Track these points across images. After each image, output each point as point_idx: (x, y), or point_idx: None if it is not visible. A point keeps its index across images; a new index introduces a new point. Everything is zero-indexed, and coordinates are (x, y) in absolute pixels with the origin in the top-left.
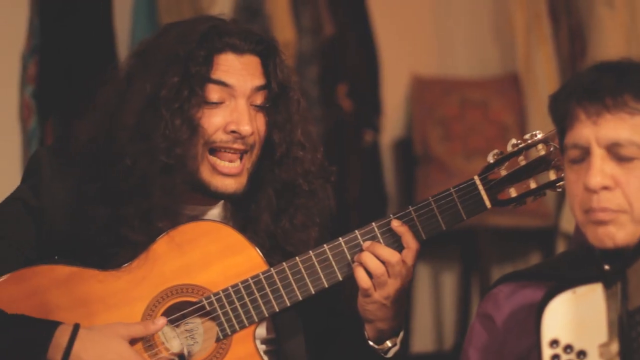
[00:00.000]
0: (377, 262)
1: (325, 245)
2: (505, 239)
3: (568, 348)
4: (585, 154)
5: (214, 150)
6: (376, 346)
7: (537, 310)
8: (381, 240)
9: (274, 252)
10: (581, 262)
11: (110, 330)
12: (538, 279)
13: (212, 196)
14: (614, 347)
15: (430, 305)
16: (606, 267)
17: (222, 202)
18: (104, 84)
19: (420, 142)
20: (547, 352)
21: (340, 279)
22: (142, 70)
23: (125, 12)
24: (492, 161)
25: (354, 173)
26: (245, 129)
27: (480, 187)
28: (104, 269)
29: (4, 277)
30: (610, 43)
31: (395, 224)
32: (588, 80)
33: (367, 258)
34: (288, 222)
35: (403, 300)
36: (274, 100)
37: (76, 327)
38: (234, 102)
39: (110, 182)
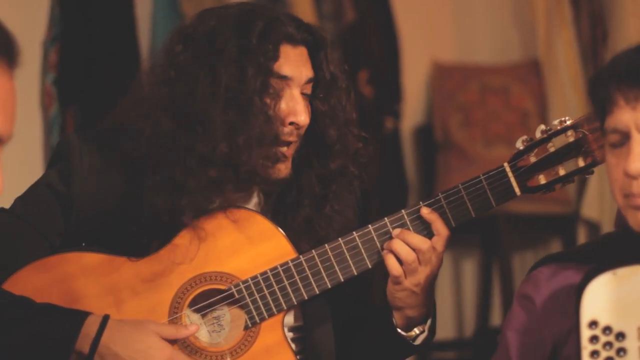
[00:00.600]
0: (408, 249)
1: (354, 232)
2: (526, 226)
3: (607, 329)
4: (625, 138)
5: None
6: (404, 333)
7: (576, 291)
8: (410, 228)
9: (309, 237)
10: (623, 244)
11: (141, 324)
12: (579, 260)
13: (262, 183)
14: None
15: (451, 292)
16: None
17: (255, 190)
18: (144, 72)
19: (441, 129)
20: (585, 333)
21: (370, 266)
22: (201, 60)
23: (146, 0)
24: (521, 148)
25: (375, 159)
26: (303, 118)
27: (510, 174)
28: (132, 256)
29: (31, 265)
30: (632, 28)
31: (425, 212)
32: (626, 63)
33: (398, 245)
34: (330, 209)
35: (432, 288)
36: (326, 90)
37: (105, 318)
38: (289, 93)
39: (170, 174)
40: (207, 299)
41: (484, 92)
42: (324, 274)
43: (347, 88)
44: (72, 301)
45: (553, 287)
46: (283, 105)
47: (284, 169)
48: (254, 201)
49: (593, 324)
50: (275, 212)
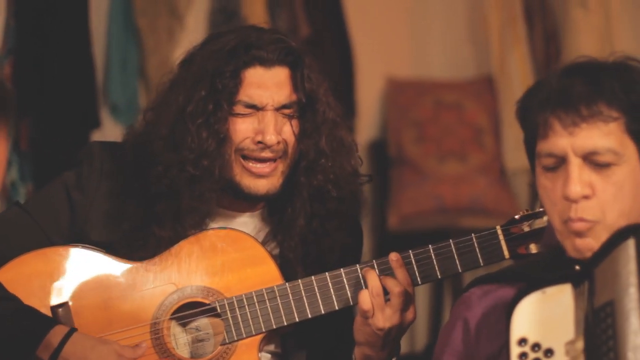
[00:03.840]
0: (378, 282)
1: (342, 269)
2: None
3: (536, 346)
4: (560, 162)
5: (246, 157)
6: None
7: (507, 310)
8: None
9: (306, 257)
10: (552, 264)
11: (105, 342)
12: (509, 280)
13: (246, 198)
14: (580, 344)
15: None
16: (577, 267)
17: (258, 209)
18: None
19: (395, 144)
20: (515, 350)
21: (352, 303)
22: (180, 82)
23: (101, 13)
24: (517, 217)
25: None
26: (270, 138)
27: (501, 237)
28: (128, 259)
29: (31, 253)
30: (585, 44)
31: (392, 258)
32: (560, 87)
33: (370, 275)
34: (319, 226)
35: (396, 337)
36: (302, 109)
37: (71, 331)
38: (261, 113)
39: (147, 183)
40: (190, 311)
41: (438, 108)
42: (305, 303)
43: (324, 110)
44: (64, 294)
45: (485, 306)
46: (254, 121)
47: (264, 185)
48: (251, 220)
49: (522, 341)
50: (274, 233)
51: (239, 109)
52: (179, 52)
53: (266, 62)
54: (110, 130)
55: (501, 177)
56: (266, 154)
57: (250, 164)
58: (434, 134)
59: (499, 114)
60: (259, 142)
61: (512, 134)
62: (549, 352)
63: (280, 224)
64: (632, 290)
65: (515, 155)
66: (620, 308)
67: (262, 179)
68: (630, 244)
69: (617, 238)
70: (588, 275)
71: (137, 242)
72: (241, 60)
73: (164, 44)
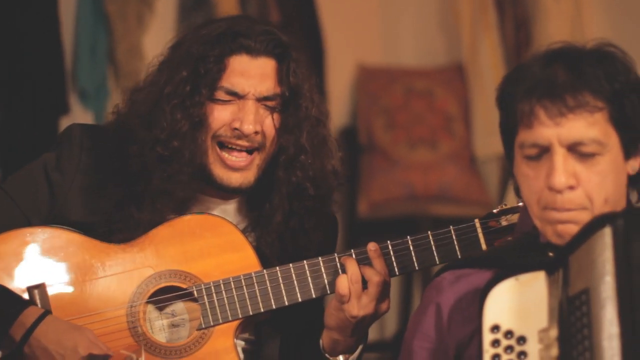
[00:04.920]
0: (357, 270)
1: (320, 257)
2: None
3: (508, 334)
4: (543, 151)
5: (223, 145)
6: (329, 357)
7: (480, 297)
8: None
9: (282, 253)
10: (525, 250)
11: (79, 328)
12: (481, 266)
13: (219, 189)
14: (553, 332)
15: None
16: (550, 254)
17: (238, 199)
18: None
19: (365, 131)
20: (487, 337)
21: (329, 292)
22: (166, 64)
23: (70, 1)
24: (495, 211)
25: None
26: (248, 127)
27: (479, 230)
28: (107, 241)
29: (8, 232)
30: (555, 33)
31: (371, 248)
32: (545, 76)
33: (350, 263)
34: (297, 224)
35: (366, 326)
36: (285, 104)
37: (45, 313)
38: (242, 101)
39: (127, 165)
40: (167, 295)
41: (408, 95)
42: (282, 290)
43: (306, 106)
44: (43, 273)
45: (456, 291)
46: (234, 109)
47: (237, 178)
48: (232, 209)
49: (495, 328)
50: (253, 226)
51: (220, 95)
52: (149, 38)
53: (253, 51)
54: (79, 116)
55: (471, 165)
56: (242, 142)
57: (226, 154)
58: (404, 121)
59: (469, 102)
60: (235, 129)
61: (482, 122)
62: (521, 339)
63: (259, 219)
64: (608, 278)
65: (485, 143)
66: (595, 296)
67: (236, 172)
68: (607, 232)
69: (593, 226)
70: (562, 262)
71: (116, 224)
72: (227, 47)
73: (134, 29)
